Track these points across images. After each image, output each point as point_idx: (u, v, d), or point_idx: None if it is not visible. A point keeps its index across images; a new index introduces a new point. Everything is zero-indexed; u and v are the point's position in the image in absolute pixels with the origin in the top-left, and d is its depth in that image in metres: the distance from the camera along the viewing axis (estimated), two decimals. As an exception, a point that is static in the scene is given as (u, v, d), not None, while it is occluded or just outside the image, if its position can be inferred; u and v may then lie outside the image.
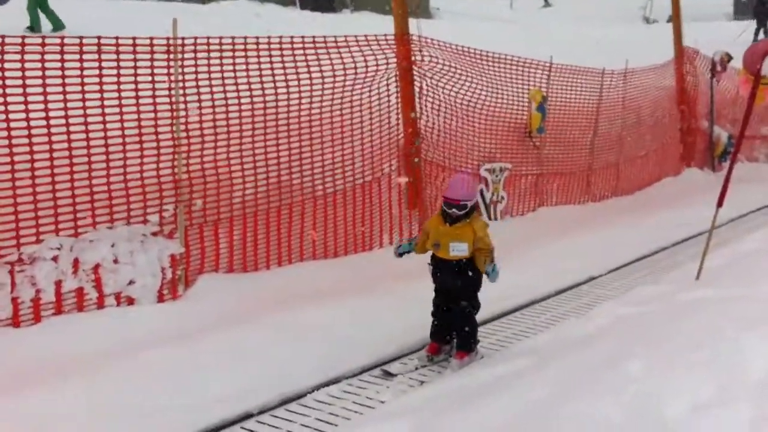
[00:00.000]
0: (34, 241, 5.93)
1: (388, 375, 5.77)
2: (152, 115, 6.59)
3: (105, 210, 6.31)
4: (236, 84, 7.21)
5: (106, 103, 6.29)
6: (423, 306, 6.21)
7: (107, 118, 6.32)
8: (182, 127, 6.78)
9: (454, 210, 5.65)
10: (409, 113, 9.10)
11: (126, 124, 6.43)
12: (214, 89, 7.04)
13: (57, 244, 6.02)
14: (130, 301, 6.40)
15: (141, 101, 6.52)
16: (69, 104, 6.09)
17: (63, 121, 6.06)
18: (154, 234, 6.59)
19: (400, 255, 6.10)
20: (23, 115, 5.84)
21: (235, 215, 7.28)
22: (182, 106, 6.77)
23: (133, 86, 6.44)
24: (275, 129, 7.60)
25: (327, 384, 5.53)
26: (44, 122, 5.94)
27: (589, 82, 12.19)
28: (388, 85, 8.84)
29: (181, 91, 6.74)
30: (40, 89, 5.92)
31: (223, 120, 7.16)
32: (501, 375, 5.19)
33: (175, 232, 6.73)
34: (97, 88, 6.25)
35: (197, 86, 6.90)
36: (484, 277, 5.83)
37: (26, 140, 5.88)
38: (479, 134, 10.24)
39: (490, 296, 6.21)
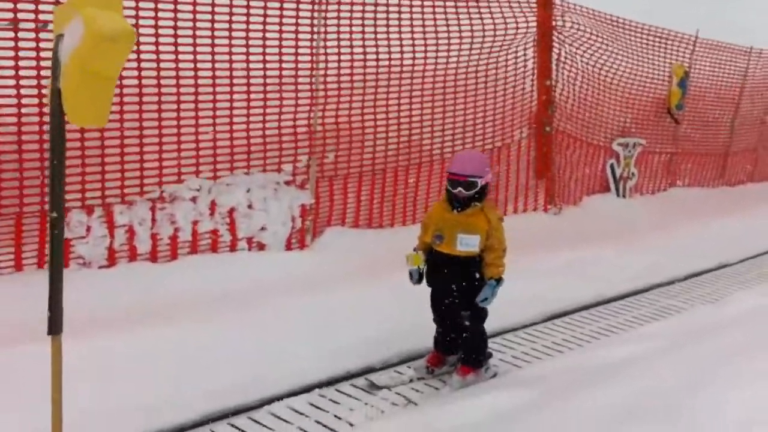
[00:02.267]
0: (176, 180, 6.15)
1: (375, 387, 4.84)
2: (293, 66, 6.68)
3: (243, 156, 6.46)
4: (376, 40, 7.20)
5: (251, 50, 6.40)
6: (546, 277, 6.12)
7: (251, 66, 6.43)
8: (321, 80, 6.84)
9: (460, 189, 4.56)
10: (545, 80, 8.89)
11: (268, 74, 6.54)
12: (354, 44, 7.06)
13: (197, 185, 6.21)
14: (261, 247, 6.56)
15: (284, 50, 6.60)
16: (216, 49, 6.22)
17: (209, 65, 6.21)
18: (287, 183, 6.70)
19: (420, 279, 4.80)
20: (172, 65, 6.00)
21: (365, 171, 7.33)
22: (322, 58, 6.83)
23: (277, 35, 6.53)
24: (410, 87, 7.56)
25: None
26: (192, 70, 6.09)
27: (734, 61, 11.58)
28: (525, 49, 8.64)
29: (322, 44, 6.80)
30: (189, 39, 6.06)
31: (360, 76, 7.18)
32: (612, 361, 4.81)
33: (306, 183, 6.83)
34: (243, 35, 6.36)
35: (338, 39, 6.93)
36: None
37: (173, 87, 6.05)
38: (615, 106, 9.92)
39: (616, 277, 6.03)
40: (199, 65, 6.14)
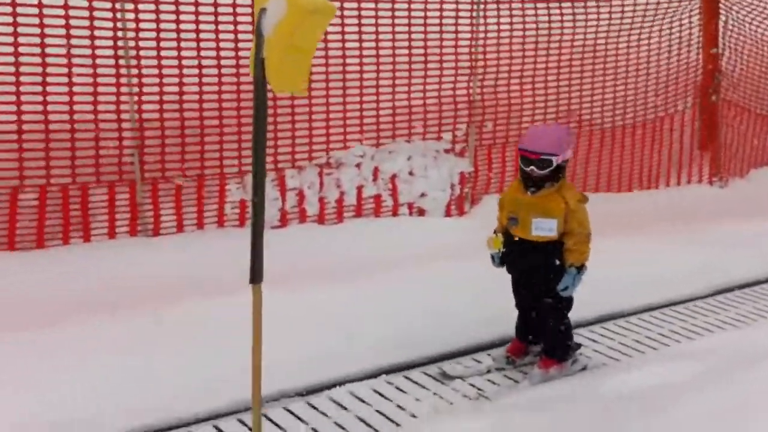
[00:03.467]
0: (342, 147, 6.43)
1: (447, 377, 4.48)
2: (453, 35, 6.80)
3: (404, 124, 6.66)
4: (535, 9, 7.19)
5: (412, 21, 6.57)
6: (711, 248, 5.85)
7: (412, 36, 6.61)
8: (480, 49, 6.93)
9: (532, 168, 4.10)
10: (710, 48, 8.55)
11: (429, 44, 6.69)
12: (514, 13, 7.08)
13: (361, 152, 6.47)
14: (421, 212, 6.75)
15: (444, 21, 6.73)
16: (379, 20, 6.44)
17: (373, 36, 6.43)
18: (447, 151, 6.85)
19: (502, 263, 4.44)
20: (338, 36, 6.28)
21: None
22: (482, 28, 6.91)
23: (437, 5, 6.67)
24: (569, 56, 7.50)
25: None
26: (356, 41, 6.34)
27: None
28: (690, 17, 8.34)
29: (482, 13, 6.88)
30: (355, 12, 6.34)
31: (519, 45, 7.20)
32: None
33: (465, 151, 6.95)
34: (405, 6, 6.54)
35: (498, 9, 6.98)
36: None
37: (339, 59, 6.32)
38: (787, 76, 9.37)
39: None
40: (365, 38, 6.40)
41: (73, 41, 5.25)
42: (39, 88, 5.18)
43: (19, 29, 5.09)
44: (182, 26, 5.60)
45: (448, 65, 6.82)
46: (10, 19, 5.05)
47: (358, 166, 6.47)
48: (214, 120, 5.83)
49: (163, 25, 5.52)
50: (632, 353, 4.90)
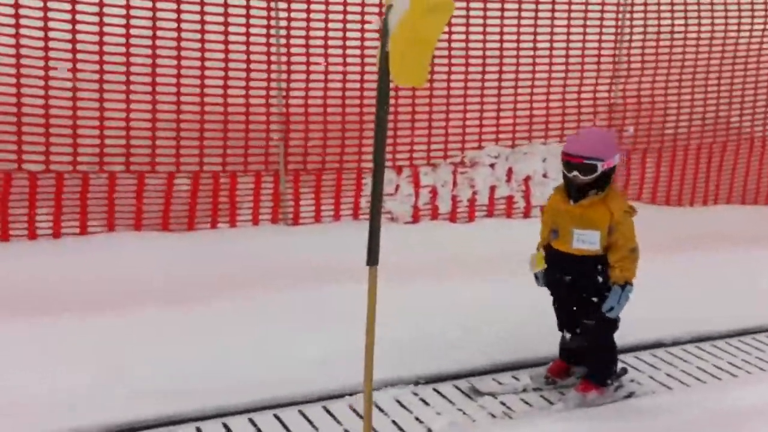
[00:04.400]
0: (476, 147, 6.51)
1: (477, 393, 4.23)
2: (597, 37, 6.74)
3: (541, 126, 6.67)
4: (685, 11, 7.00)
5: (555, 22, 6.58)
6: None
7: (555, 36, 6.61)
8: (624, 51, 6.83)
9: (575, 174, 3.80)
10: None
11: (571, 45, 6.67)
12: (662, 15, 6.93)
13: (495, 152, 6.53)
14: (553, 215, 6.74)
15: (588, 22, 6.68)
16: (522, 20, 6.48)
17: (514, 36, 6.49)
18: (583, 154, 6.79)
19: (545, 282, 4.16)
20: (480, 36, 6.37)
21: (665, 146, 7.19)
22: (627, 30, 6.81)
23: (582, 6, 6.63)
24: (719, 62, 7.25)
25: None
26: (498, 42, 6.42)
27: None
28: None
29: (628, 15, 6.78)
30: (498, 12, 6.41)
31: (666, 48, 7.03)
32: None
33: (603, 155, 6.87)
34: (549, 6, 6.55)
35: (645, 11, 6.85)
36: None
37: (479, 58, 6.40)
38: None
39: None
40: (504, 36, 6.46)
41: (231, 38, 5.61)
42: (197, 81, 5.56)
43: (182, 25, 5.49)
44: (330, 25, 5.86)
45: (589, 66, 6.77)
46: (173, 15, 5.45)
47: (492, 166, 6.54)
48: (355, 116, 6.07)
49: (313, 24, 5.80)
50: (690, 381, 4.54)
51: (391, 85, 3.33)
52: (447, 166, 6.46)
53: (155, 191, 5.59)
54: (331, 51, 5.90)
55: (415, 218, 6.40)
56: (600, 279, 3.91)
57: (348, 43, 5.93)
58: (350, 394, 4.11)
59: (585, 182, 3.81)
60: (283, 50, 5.78)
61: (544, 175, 6.66)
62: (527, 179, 6.64)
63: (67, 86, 5.24)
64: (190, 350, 4.40)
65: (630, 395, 4.21)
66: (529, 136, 6.64)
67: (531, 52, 6.55)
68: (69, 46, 5.23)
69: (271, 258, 5.62)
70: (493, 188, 6.56)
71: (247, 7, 5.61)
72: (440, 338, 4.76)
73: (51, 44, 5.17)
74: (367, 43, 5.97)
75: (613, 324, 4.05)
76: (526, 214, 6.67)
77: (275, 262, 5.57)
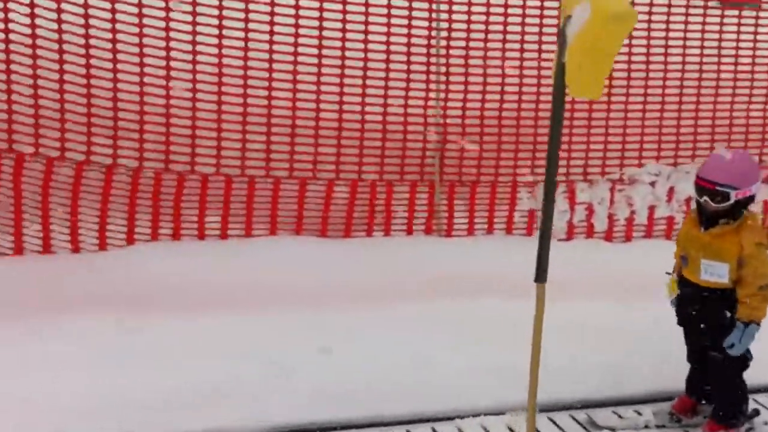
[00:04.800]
0: (636, 164, 6.33)
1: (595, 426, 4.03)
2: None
3: (706, 145, 6.40)
4: None
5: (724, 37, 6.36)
6: None
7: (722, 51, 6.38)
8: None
9: (705, 199, 3.57)
10: None
11: (740, 60, 6.41)
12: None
13: (656, 170, 6.32)
14: (717, 237, 6.43)
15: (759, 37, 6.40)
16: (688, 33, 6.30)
17: (680, 51, 6.29)
18: (751, 175, 6.47)
19: (678, 306, 3.91)
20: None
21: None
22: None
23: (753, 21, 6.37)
24: None
25: None
26: (662, 55, 6.25)
27: None
28: None
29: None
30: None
31: None
32: None
33: (773, 176, 6.53)
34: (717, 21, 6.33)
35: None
36: None
37: (643, 70, 6.26)
38: None
39: None
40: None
41: (392, 47, 5.72)
42: (359, 90, 5.70)
43: (347, 35, 5.64)
44: (490, 35, 5.89)
45: (760, 83, 6.47)
46: (338, 25, 5.61)
47: (652, 184, 6.33)
48: (512, 128, 6.05)
49: (473, 35, 5.85)
50: None
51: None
52: (605, 183, 6.31)
53: (316, 197, 5.75)
54: (489, 63, 5.94)
55: (569, 235, 6.27)
56: (728, 314, 3.67)
57: (507, 54, 5.94)
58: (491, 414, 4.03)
59: (716, 210, 3.58)
60: (443, 60, 5.86)
61: (708, 196, 6.38)
62: (689, 200, 6.37)
63: (239, 92, 5.49)
64: (345, 356, 4.45)
65: None
66: (692, 155, 6.39)
67: (697, 66, 6.33)
68: (241, 54, 5.49)
69: (425, 268, 5.66)
70: (652, 208, 6.34)
71: (409, 18, 5.72)
72: (568, 361, 4.47)
73: (224, 51, 5.45)
74: (526, 54, 5.96)
75: (742, 361, 3.77)
76: (688, 236, 6.40)
77: (429, 272, 5.60)
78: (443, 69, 5.86)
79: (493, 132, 6.01)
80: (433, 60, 5.84)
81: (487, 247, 6.03)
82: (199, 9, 5.35)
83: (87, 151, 5.25)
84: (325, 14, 5.60)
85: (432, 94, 5.85)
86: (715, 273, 3.63)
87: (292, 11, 5.50)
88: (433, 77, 5.85)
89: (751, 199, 3.63)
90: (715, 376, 3.84)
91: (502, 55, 5.92)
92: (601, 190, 6.30)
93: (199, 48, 5.40)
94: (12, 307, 4.58)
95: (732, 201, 3.54)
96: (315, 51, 5.59)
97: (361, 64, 5.69)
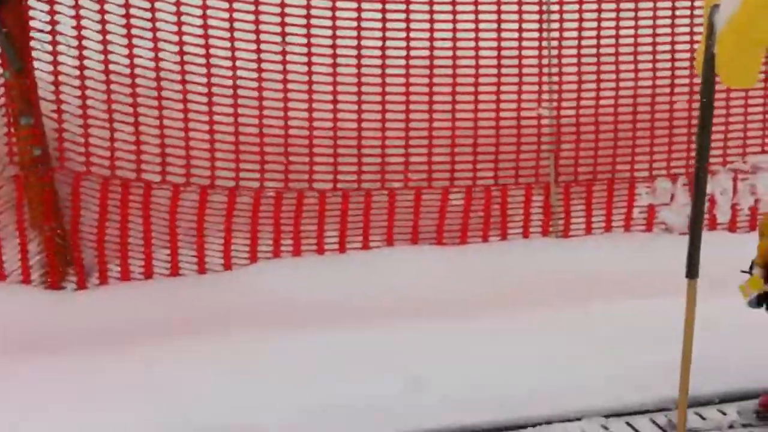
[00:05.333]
0: (759, 151, 6.10)
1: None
2: None
3: (834, 127, 6.12)
4: None
5: None
6: None
7: None
8: None
9: None
10: None
11: None
12: None
13: (789, 162, 6.11)
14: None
15: None
16: None
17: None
18: None
19: (758, 303, 3.66)
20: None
21: None
22: None
23: None
24: None
25: None
26: None
27: None
28: None
29: None
30: None
31: None
32: None
33: None
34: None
35: None
36: None
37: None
38: None
39: None
40: None
41: (503, 44, 5.62)
42: (471, 88, 5.63)
43: (457, 34, 5.57)
44: (602, 32, 5.75)
45: None
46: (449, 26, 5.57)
47: (776, 171, 6.11)
48: (628, 123, 5.91)
49: (584, 33, 5.71)
50: None
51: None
52: (726, 173, 6.11)
53: (431, 206, 5.74)
54: (602, 59, 5.80)
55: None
56: None
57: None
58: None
59: None
60: (555, 61, 5.75)
61: (835, 182, 6.12)
62: (817, 186, 6.12)
63: (353, 108, 5.52)
64: (477, 362, 4.44)
65: None
66: (818, 139, 6.12)
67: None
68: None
69: (543, 271, 5.59)
70: (799, 205, 6.12)
71: (519, 12, 5.62)
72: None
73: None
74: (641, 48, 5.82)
75: None
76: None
77: (548, 275, 5.53)
78: (555, 69, 5.75)
79: (609, 129, 5.88)
80: (545, 56, 5.73)
81: (607, 246, 5.92)
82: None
83: (211, 176, 5.38)
84: (435, 16, 5.53)
85: (545, 95, 5.76)
86: None
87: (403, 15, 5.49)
88: (545, 78, 5.74)
89: None
90: None
91: (615, 51, 5.78)
92: (723, 180, 6.10)
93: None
94: (141, 329, 4.74)
95: None
96: (426, 53, 5.54)
97: (473, 62, 5.62)
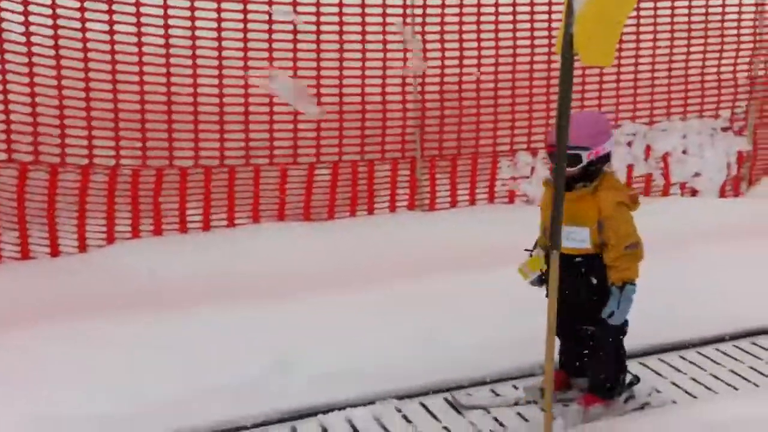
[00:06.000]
0: (613, 125, 6.25)
1: (460, 407, 3.81)
2: (737, 9, 6.47)
3: (680, 102, 6.45)
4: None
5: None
6: None
7: (692, 10, 6.38)
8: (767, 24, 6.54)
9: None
10: None
11: (710, 18, 6.42)
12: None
13: (633, 129, 6.37)
14: (693, 193, 6.54)
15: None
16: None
17: (651, 12, 6.29)
18: (724, 129, 6.56)
19: (541, 282, 3.58)
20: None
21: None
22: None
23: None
24: None
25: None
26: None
27: None
28: None
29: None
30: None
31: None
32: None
33: (744, 130, 6.62)
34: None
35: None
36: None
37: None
38: None
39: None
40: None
41: (367, 28, 5.60)
42: (336, 73, 5.58)
43: (322, 18, 5.52)
44: (465, 9, 5.80)
45: (729, 40, 6.51)
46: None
47: (629, 144, 6.38)
48: (489, 99, 6.01)
49: (448, 10, 5.75)
50: (706, 390, 3.98)
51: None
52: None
53: (297, 182, 5.67)
54: (465, 36, 5.86)
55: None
56: (594, 280, 3.46)
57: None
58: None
59: (570, 174, 3.29)
60: (419, 36, 5.76)
61: (684, 152, 6.46)
62: (666, 156, 6.44)
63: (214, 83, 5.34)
64: (347, 337, 4.38)
65: (642, 407, 3.71)
66: (667, 113, 6.44)
67: (668, 26, 6.34)
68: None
69: (408, 244, 5.63)
70: (630, 167, 6.40)
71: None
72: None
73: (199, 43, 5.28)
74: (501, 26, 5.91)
75: (620, 328, 3.55)
76: (665, 193, 6.49)
77: (412, 247, 5.57)
78: (420, 42, 5.76)
79: (472, 104, 5.97)
80: (408, 31, 5.73)
81: (470, 220, 6.04)
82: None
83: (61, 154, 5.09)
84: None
85: (410, 71, 5.77)
86: (576, 238, 3.41)
87: None
88: (410, 54, 5.75)
89: (606, 158, 3.45)
90: (591, 349, 3.61)
91: (477, 27, 5.85)
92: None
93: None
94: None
95: (584, 163, 3.36)
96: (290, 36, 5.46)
97: (336, 38, 5.56)
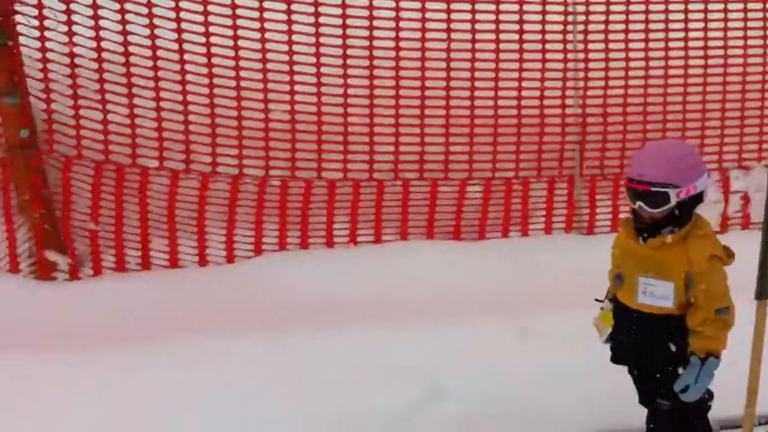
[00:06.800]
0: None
1: None
2: None
3: None
4: None
5: None
6: None
7: None
8: None
9: (640, 205, 2.82)
10: None
11: None
12: None
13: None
14: None
15: None
16: None
17: None
18: None
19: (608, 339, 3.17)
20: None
21: None
22: None
23: None
24: None
25: None
26: None
27: None
28: None
29: None
30: None
31: None
32: None
33: None
34: None
35: None
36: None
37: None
38: None
39: None
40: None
41: (525, 36, 5.30)
42: (491, 84, 5.31)
43: (476, 26, 5.26)
44: (630, 26, 5.43)
45: None
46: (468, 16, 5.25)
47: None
48: (658, 115, 5.56)
49: (611, 27, 5.41)
50: None
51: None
52: (762, 169, 5.75)
53: (448, 199, 5.41)
54: (631, 45, 5.45)
55: (723, 227, 5.75)
56: (673, 347, 2.94)
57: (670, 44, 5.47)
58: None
59: (654, 216, 2.83)
60: (580, 46, 5.40)
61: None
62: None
63: (365, 93, 5.18)
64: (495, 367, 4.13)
65: None
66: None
67: None
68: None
69: (563, 268, 5.26)
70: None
71: (544, 3, 5.30)
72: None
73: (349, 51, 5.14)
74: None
75: (701, 404, 3.01)
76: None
77: (569, 273, 5.20)
78: (581, 56, 5.41)
79: (638, 120, 5.53)
80: (570, 47, 5.38)
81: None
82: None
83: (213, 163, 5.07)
84: (452, 5, 5.20)
85: (570, 84, 5.41)
86: (656, 294, 2.90)
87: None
88: (570, 65, 5.39)
89: (698, 198, 2.89)
90: (663, 425, 3.08)
91: (645, 45, 5.45)
92: (758, 176, 5.74)
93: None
94: (137, 323, 4.48)
95: (673, 203, 2.80)
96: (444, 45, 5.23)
97: (493, 56, 5.29)
